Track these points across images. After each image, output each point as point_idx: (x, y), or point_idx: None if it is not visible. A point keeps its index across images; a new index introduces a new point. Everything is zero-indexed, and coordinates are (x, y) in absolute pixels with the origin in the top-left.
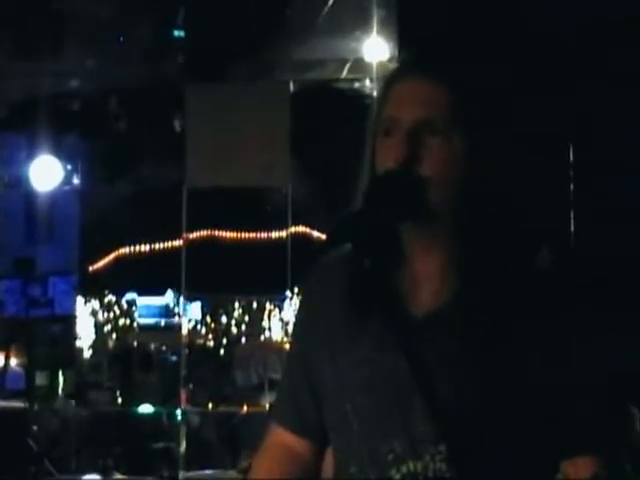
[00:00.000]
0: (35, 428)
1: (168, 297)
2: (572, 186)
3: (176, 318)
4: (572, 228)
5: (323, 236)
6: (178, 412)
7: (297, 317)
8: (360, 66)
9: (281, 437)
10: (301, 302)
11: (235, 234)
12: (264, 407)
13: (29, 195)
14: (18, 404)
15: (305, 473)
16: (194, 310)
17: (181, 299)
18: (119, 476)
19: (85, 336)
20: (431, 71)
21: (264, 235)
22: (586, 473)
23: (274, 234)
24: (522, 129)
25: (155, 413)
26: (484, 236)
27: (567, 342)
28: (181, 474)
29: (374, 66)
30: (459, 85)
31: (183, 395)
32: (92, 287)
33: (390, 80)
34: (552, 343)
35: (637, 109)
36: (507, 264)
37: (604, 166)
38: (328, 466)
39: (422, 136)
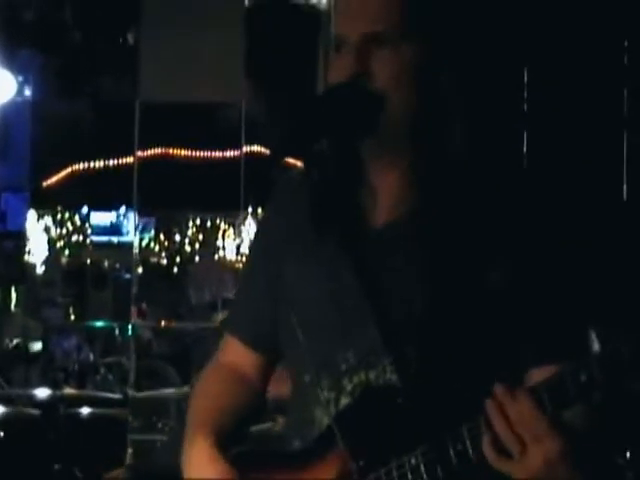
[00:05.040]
0: None
1: (121, 214)
2: (525, 106)
3: (129, 235)
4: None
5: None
6: (129, 327)
7: (260, 228)
8: None
9: (231, 353)
10: (264, 214)
11: (189, 152)
12: (217, 325)
13: None
14: None
15: (250, 394)
16: (147, 228)
17: (134, 216)
18: (69, 390)
19: (38, 252)
20: None
21: (218, 153)
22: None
23: (228, 153)
24: (476, 48)
25: (107, 328)
26: (444, 153)
27: (529, 255)
28: (131, 392)
29: None
30: None
31: (134, 311)
32: (45, 203)
33: None
34: (513, 257)
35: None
36: (467, 181)
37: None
38: (273, 385)
39: (371, 49)
